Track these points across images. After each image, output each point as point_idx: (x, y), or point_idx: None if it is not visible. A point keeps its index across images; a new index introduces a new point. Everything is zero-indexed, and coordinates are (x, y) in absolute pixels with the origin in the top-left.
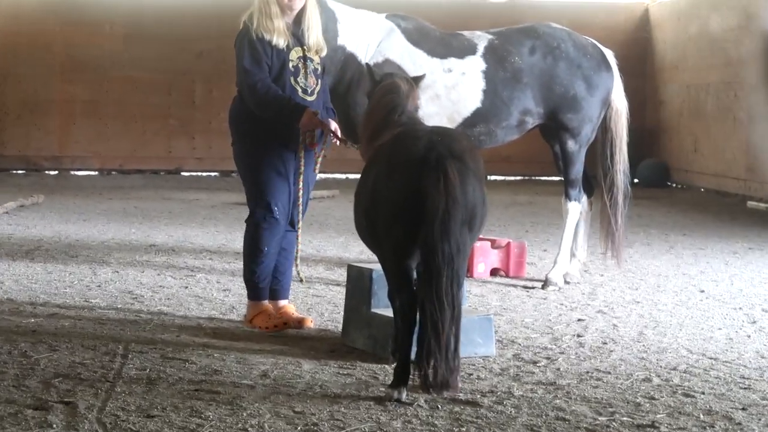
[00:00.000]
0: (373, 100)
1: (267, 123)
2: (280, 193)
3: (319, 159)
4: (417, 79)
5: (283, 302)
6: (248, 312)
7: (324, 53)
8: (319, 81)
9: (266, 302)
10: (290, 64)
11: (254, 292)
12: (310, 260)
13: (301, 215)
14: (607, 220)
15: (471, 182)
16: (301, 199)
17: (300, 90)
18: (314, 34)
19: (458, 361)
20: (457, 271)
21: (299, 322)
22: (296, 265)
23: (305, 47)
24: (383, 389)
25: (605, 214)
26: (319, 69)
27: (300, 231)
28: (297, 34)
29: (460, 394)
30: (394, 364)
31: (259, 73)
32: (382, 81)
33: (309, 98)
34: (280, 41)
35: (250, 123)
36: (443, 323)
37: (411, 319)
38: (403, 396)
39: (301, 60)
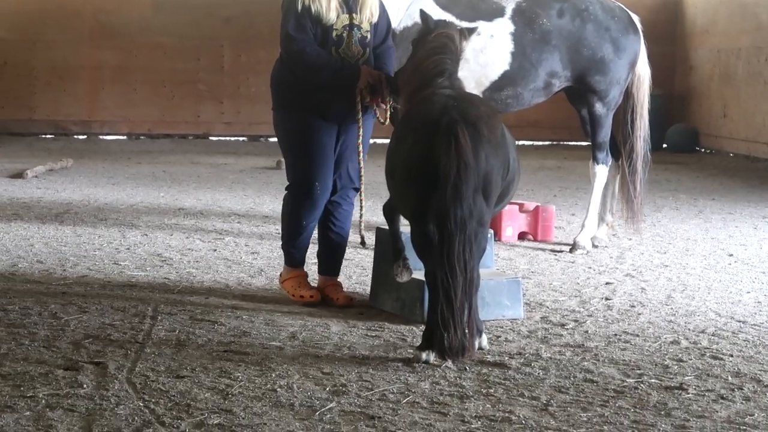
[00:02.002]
0: (422, 53)
1: (309, 91)
2: (320, 167)
3: (388, 109)
4: (470, 31)
5: (332, 278)
6: (283, 273)
7: (375, 19)
8: (367, 51)
9: (301, 269)
10: (334, 33)
11: (289, 258)
12: None
13: (362, 179)
14: (626, 187)
15: (484, 149)
16: (361, 163)
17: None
18: (368, 4)
19: (474, 327)
20: (469, 237)
21: (346, 299)
22: (360, 230)
23: (353, 14)
24: (411, 351)
25: (624, 180)
26: (368, 37)
27: (362, 195)
28: (349, 1)
29: (475, 359)
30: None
31: (304, 38)
32: (436, 29)
33: None
34: (330, 13)
35: (291, 90)
36: (455, 289)
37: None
38: (432, 358)
39: (347, 28)
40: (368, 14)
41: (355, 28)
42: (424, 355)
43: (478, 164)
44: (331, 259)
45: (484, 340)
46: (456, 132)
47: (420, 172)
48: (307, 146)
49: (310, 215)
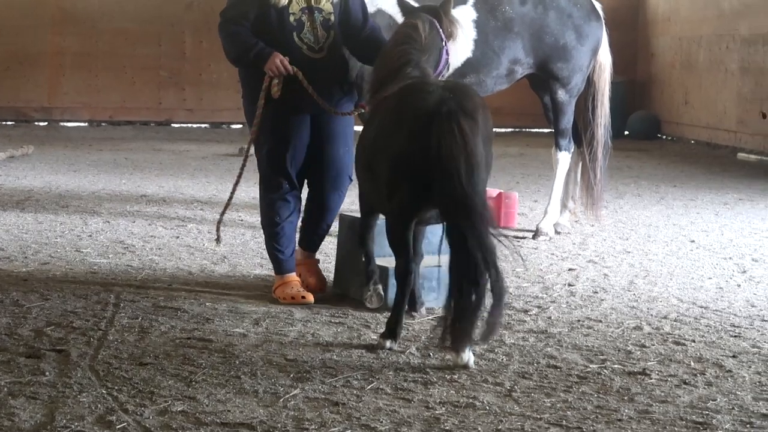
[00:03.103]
0: (386, 47)
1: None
2: (287, 159)
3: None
4: (445, 6)
5: (309, 254)
6: (274, 282)
7: None
8: (331, 33)
9: (290, 274)
10: (291, 18)
11: (276, 265)
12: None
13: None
14: (587, 174)
15: (479, 143)
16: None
17: (305, 47)
18: None
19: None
20: (492, 225)
21: (302, 298)
22: (218, 227)
23: None
24: (374, 338)
25: (585, 167)
26: (332, 19)
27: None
28: None
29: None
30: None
31: (236, 24)
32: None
33: (316, 55)
34: None
35: (257, 80)
36: (483, 283)
37: (408, 281)
38: (395, 346)
39: (305, 12)
40: None
41: (316, 11)
42: (387, 343)
43: (476, 156)
44: (312, 231)
45: (471, 358)
46: (459, 122)
47: (413, 163)
48: (275, 138)
49: (284, 211)
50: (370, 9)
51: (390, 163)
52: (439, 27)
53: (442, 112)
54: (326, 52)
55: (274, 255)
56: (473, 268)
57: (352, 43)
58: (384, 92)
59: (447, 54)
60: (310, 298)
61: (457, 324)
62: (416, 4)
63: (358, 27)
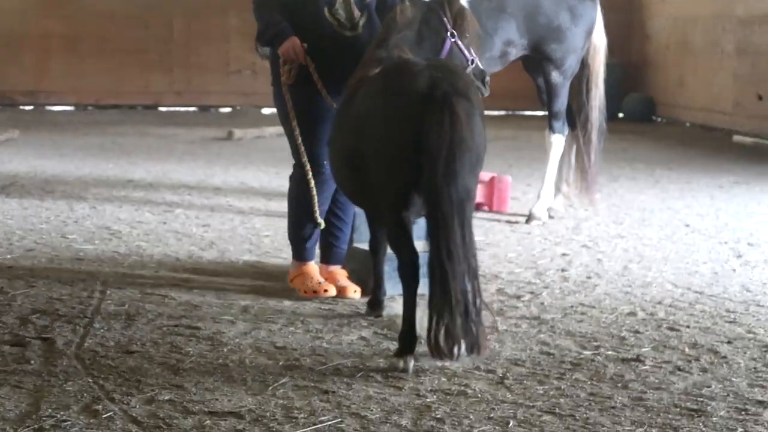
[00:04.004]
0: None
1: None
2: (320, 143)
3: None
4: (453, 2)
5: (333, 267)
6: (291, 270)
7: None
8: (365, 13)
9: (311, 263)
10: None
11: (297, 251)
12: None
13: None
14: (581, 158)
15: (478, 123)
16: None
17: (337, 23)
18: None
19: (481, 320)
20: (469, 220)
21: (341, 291)
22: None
23: None
24: (387, 360)
25: (579, 151)
26: None
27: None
28: None
29: (487, 357)
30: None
31: None
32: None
33: (348, 33)
34: None
35: (277, 65)
36: (456, 278)
37: (417, 278)
38: (410, 366)
39: None
40: None
41: None
42: (401, 363)
43: (474, 139)
44: (333, 245)
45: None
46: (452, 104)
47: (407, 149)
48: (309, 123)
49: (320, 197)
50: None
51: (382, 150)
52: (441, 15)
53: (435, 95)
54: (360, 31)
55: (296, 239)
56: (445, 264)
57: None
58: (355, 76)
59: (461, 49)
60: (333, 291)
61: (441, 323)
62: None
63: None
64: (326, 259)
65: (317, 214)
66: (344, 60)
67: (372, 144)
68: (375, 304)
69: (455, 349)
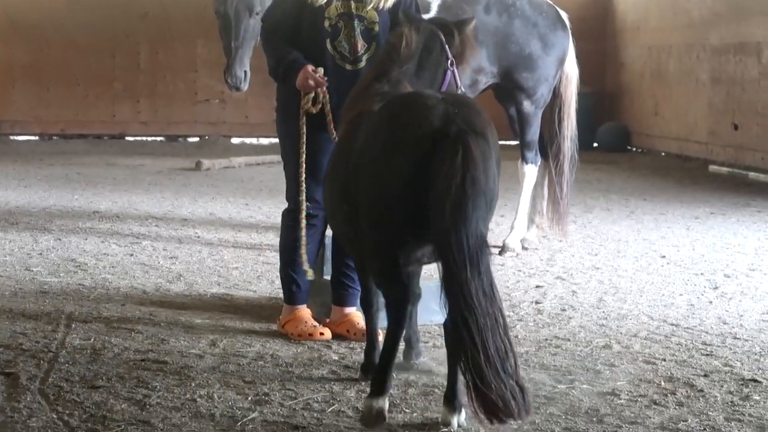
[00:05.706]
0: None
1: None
2: (319, 175)
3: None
4: (461, 25)
5: (349, 309)
6: (283, 314)
7: (388, 4)
8: (373, 45)
9: (302, 307)
10: (326, 23)
11: (288, 296)
12: (260, 227)
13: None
14: (553, 188)
15: (492, 166)
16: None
17: (338, 56)
18: None
19: (519, 378)
20: (487, 268)
21: (356, 333)
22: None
23: (352, 1)
24: (361, 403)
25: (551, 181)
26: (376, 29)
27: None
28: None
29: (531, 415)
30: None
31: (273, 32)
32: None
33: (349, 66)
34: None
35: (289, 89)
36: (482, 332)
37: (405, 315)
38: (386, 406)
39: (343, 18)
40: (372, 1)
41: (356, 19)
42: (376, 404)
43: (487, 182)
44: (346, 285)
45: (462, 415)
46: (467, 143)
47: (411, 188)
48: (299, 155)
49: (309, 238)
50: None
51: (380, 190)
52: (444, 42)
53: (450, 131)
54: (363, 64)
55: (288, 283)
56: (468, 318)
57: None
58: (354, 109)
59: (456, 78)
60: (328, 334)
61: (477, 384)
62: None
63: None
64: (340, 301)
65: (306, 265)
66: (340, 93)
67: (372, 183)
68: (370, 367)
69: (500, 415)
